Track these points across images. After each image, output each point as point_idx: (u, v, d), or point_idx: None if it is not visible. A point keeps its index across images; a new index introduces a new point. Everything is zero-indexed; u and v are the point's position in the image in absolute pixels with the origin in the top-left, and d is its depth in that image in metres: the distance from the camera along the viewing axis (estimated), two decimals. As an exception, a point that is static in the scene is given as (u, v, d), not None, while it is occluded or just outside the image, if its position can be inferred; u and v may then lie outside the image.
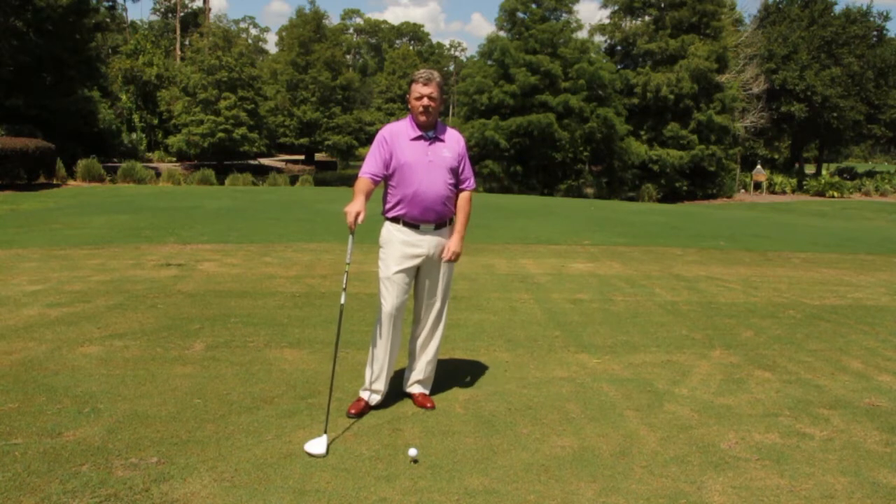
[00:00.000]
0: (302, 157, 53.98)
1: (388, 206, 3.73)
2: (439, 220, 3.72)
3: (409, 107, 3.67)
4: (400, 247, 3.68)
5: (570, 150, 35.72)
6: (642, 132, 38.43)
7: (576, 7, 50.95)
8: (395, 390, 3.93)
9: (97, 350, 4.59)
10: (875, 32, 47.65)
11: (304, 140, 50.63)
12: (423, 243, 3.70)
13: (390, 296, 3.67)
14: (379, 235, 3.78)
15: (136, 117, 43.24)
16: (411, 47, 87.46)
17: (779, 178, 44.01)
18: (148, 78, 43.57)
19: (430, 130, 3.68)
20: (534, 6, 37.88)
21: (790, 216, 23.98)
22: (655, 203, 33.23)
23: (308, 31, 51.04)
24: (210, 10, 53.35)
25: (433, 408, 3.80)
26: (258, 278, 7.23)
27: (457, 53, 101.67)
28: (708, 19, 38.64)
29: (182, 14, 58.17)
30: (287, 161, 51.92)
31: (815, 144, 51.99)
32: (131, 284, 6.69)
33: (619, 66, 39.45)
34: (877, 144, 58.98)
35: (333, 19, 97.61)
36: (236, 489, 2.85)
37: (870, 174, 50.45)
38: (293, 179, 32.40)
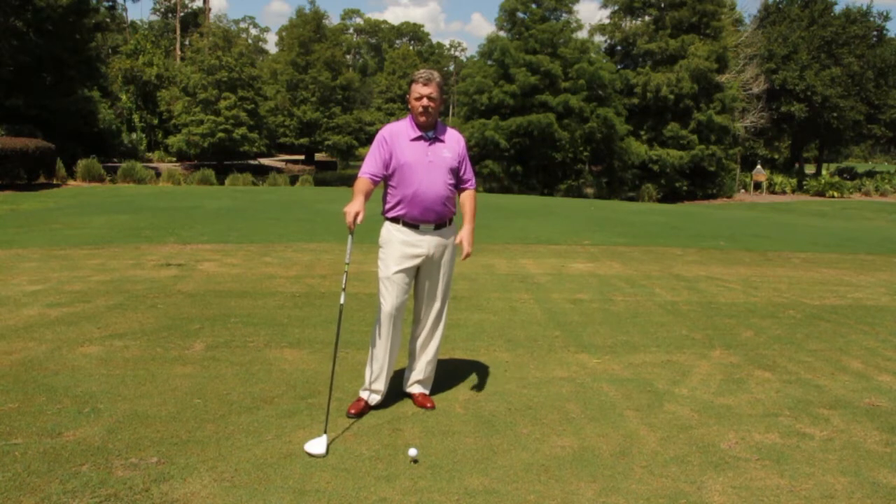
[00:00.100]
0: (302, 157, 53.98)
1: (387, 206, 3.73)
2: (439, 220, 3.72)
3: (409, 107, 3.67)
4: (400, 247, 3.68)
5: (570, 150, 35.72)
6: (642, 132, 38.43)
7: (576, 7, 51.06)
8: (395, 390, 3.93)
9: (97, 350, 4.59)
10: (875, 32, 47.66)
11: (304, 140, 50.63)
12: (423, 243, 3.70)
13: (390, 296, 3.67)
14: (378, 235, 3.78)
15: (136, 117, 43.24)
16: (411, 47, 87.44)
17: (779, 178, 44.01)
18: (148, 78, 43.58)
19: (430, 131, 3.68)
20: (534, 6, 37.88)
21: (790, 216, 23.98)
22: (655, 203, 33.23)
23: (308, 31, 51.04)
24: (210, 10, 53.38)
25: (433, 408, 3.80)
26: (258, 278, 7.23)
27: (457, 53, 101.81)
28: (708, 19, 38.64)
29: (182, 14, 58.18)
30: (287, 161, 51.91)
31: (815, 144, 51.99)
32: (131, 284, 6.69)
33: (619, 66, 39.45)
34: (877, 144, 59.00)
35: (333, 19, 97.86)
36: (236, 489, 2.85)
37: (870, 174, 50.46)
38: (293, 179, 32.40)
